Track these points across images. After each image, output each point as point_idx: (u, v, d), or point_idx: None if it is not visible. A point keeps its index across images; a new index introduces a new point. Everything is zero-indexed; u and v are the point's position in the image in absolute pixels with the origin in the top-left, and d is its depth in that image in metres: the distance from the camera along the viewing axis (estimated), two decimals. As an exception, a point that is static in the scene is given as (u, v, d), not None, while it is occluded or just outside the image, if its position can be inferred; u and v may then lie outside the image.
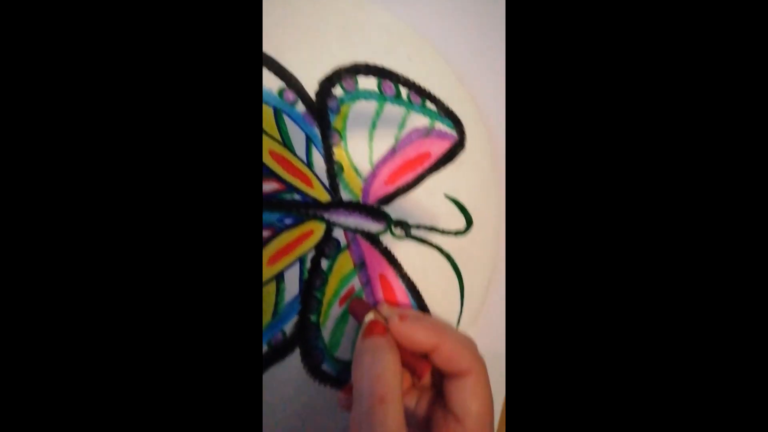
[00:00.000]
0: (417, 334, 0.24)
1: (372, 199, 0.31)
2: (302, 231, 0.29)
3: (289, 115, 0.28)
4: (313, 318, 0.29)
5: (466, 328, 0.34)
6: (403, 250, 0.31)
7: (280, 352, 0.28)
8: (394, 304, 0.31)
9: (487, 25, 0.34)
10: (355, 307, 0.28)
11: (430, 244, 0.32)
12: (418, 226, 0.32)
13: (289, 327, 0.28)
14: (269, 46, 0.27)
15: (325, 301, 0.29)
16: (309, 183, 0.29)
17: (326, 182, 0.29)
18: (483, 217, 0.34)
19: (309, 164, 0.29)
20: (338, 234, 0.30)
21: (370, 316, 0.26)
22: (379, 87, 0.30)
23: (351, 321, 0.29)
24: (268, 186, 0.28)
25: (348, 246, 0.30)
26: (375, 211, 0.31)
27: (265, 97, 0.28)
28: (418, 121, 0.32)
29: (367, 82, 0.30)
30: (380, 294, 0.31)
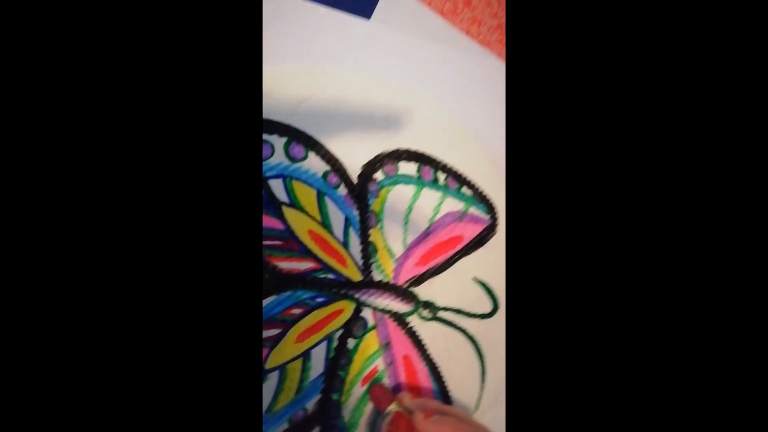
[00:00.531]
0: None
1: (402, 279, 0.31)
2: (332, 309, 0.29)
3: (331, 197, 0.29)
4: (335, 397, 0.29)
5: (485, 411, 0.33)
6: (429, 331, 0.32)
7: (300, 429, 0.28)
8: (415, 386, 0.31)
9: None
10: (377, 395, 0.28)
11: (456, 327, 0.32)
12: (445, 308, 0.32)
13: (311, 405, 0.28)
14: (319, 133, 0.29)
15: (348, 380, 0.29)
16: (343, 263, 0.29)
17: (360, 262, 0.30)
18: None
19: (345, 244, 0.29)
20: (367, 313, 0.30)
21: (393, 407, 0.26)
22: (418, 172, 0.31)
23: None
24: (305, 265, 0.28)
25: (375, 326, 0.30)
26: (404, 292, 0.31)
27: (309, 179, 0.29)
28: (453, 205, 0.32)
29: (408, 167, 0.31)
30: (402, 376, 0.31)
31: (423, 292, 0.32)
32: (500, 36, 0.35)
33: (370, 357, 0.30)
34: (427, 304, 0.32)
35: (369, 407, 0.30)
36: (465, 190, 0.33)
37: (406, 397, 0.27)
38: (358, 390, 0.29)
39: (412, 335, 0.31)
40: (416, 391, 0.31)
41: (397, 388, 0.30)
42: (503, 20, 0.35)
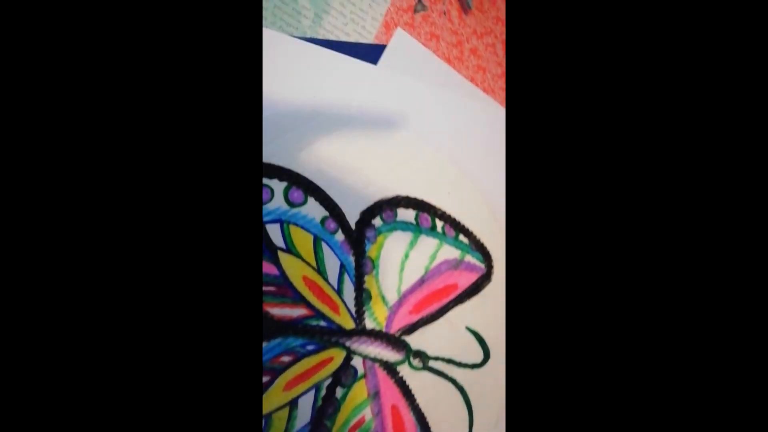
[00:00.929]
0: None
1: (395, 328, 0.31)
2: (322, 357, 0.29)
3: (327, 243, 0.29)
4: (319, 447, 0.28)
5: (471, 463, 0.33)
6: (419, 380, 0.31)
7: (282, 481, 0.27)
8: (402, 437, 0.30)
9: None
10: None
11: (446, 377, 0.32)
12: (436, 358, 0.32)
13: (294, 455, 0.28)
14: (320, 178, 0.28)
15: (335, 429, 0.29)
16: (336, 310, 0.29)
17: (353, 309, 0.29)
18: (500, 351, 0.34)
19: (339, 291, 0.29)
20: (357, 362, 0.30)
21: None
22: (416, 219, 0.31)
23: (356, 452, 0.29)
24: (297, 311, 0.28)
25: (365, 375, 0.30)
26: (396, 340, 0.31)
27: (307, 225, 0.28)
28: (450, 253, 0.32)
29: (406, 214, 0.31)
30: (389, 426, 0.30)
31: (415, 340, 0.31)
32: (503, 84, 0.36)
33: (357, 406, 0.29)
34: (418, 353, 0.31)
35: (354, 458, 0.29)
36: (462, 237, 0.33)
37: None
38: (344, 440, 0.29)
39: (402, 385, 0.31)
40: (402, 442, 0.30)
41: (383, 439, 0.30)
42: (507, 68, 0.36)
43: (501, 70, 0.36)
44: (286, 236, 0.28)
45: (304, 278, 0.28)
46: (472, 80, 0.35)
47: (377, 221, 0.30)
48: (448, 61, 0.34)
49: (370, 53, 0.31)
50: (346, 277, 0.29)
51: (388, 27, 0.32)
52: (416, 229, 0.31)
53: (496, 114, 0.35)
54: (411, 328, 0.31)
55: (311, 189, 0.28)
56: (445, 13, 0.34)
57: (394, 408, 0.30)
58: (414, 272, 0.31)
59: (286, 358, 0.28)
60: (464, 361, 0.32)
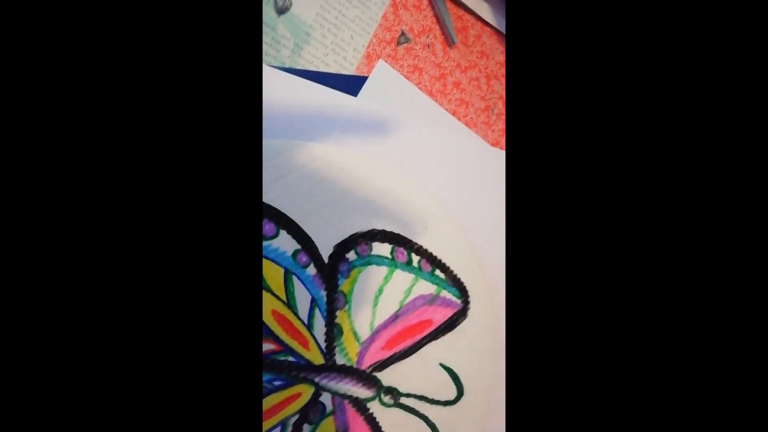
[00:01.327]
0: None
1: (366, 364, 0.30)
2: (290, 393, 0.28)
3: (299, 277, 0.28)
4: (282, 487, 0.27)
5: (441, 503, 0.32)
6: (389, 417, 0.30)
7: None
8: (369, 477, 0.30)
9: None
10: None
11: (418, 414, 0.31)
12: (408, 395, 0.31)
13: (256, 496, 0.27)
14: (293, 211, 0.28)
15: (300, 468, 0.28)
16: (306, 345, 0.28)
17: (323, 345, 0.29)
18: (474, 388, 0.33)
19: (309, 326, 0.28)
20: (326, 398, 0.29)
21: None
22: (392, 253, 0.31)
23: (322, 492, 0.28)
24: (265, 346, 0.27)
25: (333, 411, 0.29)
26: (367, 376, 0.30)
27: (278, 258, 0.28)
28: (425, 288, 0.32)
29: (381, 248, 0.30)
30: (357, 465, 0.29)
31: (386, 377, 0.31)
32: (486, 118, 0.36)
33: (324, 445, 0.29)
34: (390, 390, 0.31)
35: (318, 499, 0.28)
36: (438, 272, 0.32)
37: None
38: (309, 480, 0.28)
39: (372, 421, 0.30)
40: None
41: (350, 479, 0.29)
42: (490, 102, 0.36)
43: (484, 104, 0.36)
44: (255, 270, 0.27)
45: (273, 312, 0.28)
46: (454, 114, 0.34)
47: (351, 255, 0.30)
48: (430, 93, 0.34)
49: (351, 84, 0.31)
50: (317, 311, 0.29)
51: (370, 59, 0.32)
52: (391, 263, 0.31)
53: (478, 148, 0.35)
54: (383, 365, 0.30)
55: (283, 221, 0.28)
56: (428, 46, 0.34)
57: (362, 446, 0.30)
58: (388, 307, 0.31)
59: (251, 395, 0.27)
60: (437, 398, 0.32)
